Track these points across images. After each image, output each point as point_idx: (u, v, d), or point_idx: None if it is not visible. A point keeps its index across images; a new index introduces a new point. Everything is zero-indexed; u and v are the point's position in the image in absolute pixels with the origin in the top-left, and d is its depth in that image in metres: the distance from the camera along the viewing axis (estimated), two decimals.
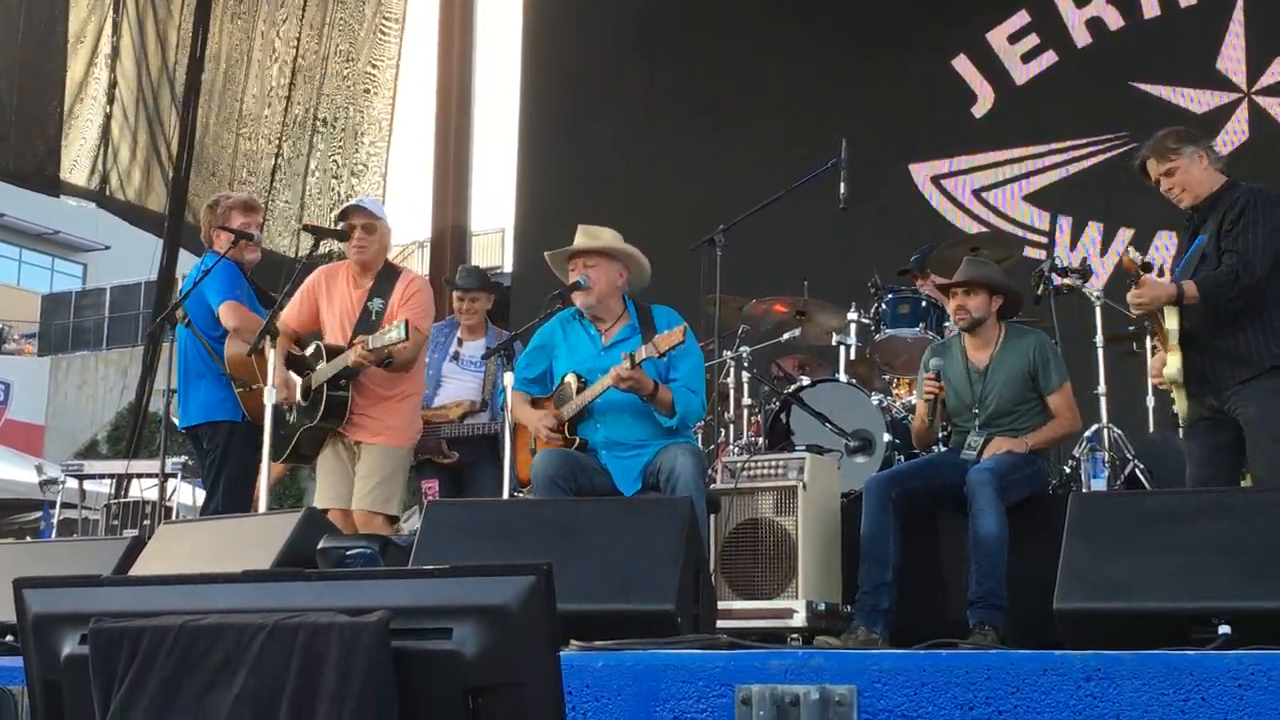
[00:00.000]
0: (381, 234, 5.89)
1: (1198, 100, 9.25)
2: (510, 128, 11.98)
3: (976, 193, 9.91)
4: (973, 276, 5.36)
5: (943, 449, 5.51)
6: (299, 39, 11.02)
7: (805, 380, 6.59)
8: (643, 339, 5.16)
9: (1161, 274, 5.52)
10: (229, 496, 6.10)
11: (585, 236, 5.45)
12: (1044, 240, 9.51)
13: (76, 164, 10.06)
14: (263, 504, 5.76)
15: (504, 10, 12.57)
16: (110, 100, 10.10)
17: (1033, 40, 9.95)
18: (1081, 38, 9.78)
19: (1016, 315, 5.57)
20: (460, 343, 6.80)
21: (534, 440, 5.32)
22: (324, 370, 5.66)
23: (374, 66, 11.46)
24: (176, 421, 6.54)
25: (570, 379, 5.29)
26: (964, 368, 5.36)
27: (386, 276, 5.85)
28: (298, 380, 5.76)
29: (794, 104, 10.28)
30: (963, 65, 10.10)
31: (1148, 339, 6.87)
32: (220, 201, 6.45)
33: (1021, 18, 9.96)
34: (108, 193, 10.22)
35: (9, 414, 24.94)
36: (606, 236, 5.46)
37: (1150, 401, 6.75)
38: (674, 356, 5.14)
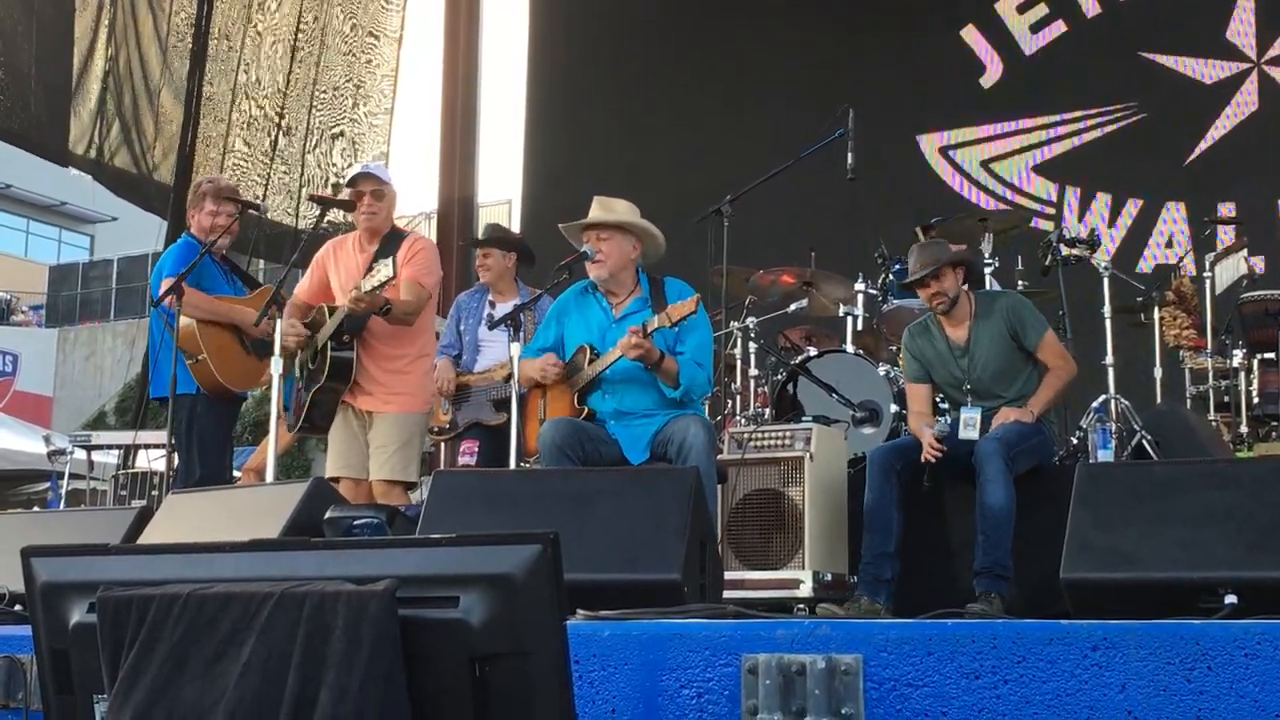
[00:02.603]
0: (389, 199, 5.91)
1: (1207, 70, 9.21)
2: (517, 98, 11.96)
3: (984, 164, 9.87)
4: (934, 262, 5.31)
5: (945, 422, 5.51)
6: (300, 8, 10.94)
7: (812, 351, 6.58)
8: (654, 312, 5.12)
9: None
10: (208, 469, 6.04)
11: (600, 208, 5.35)
12: (1052, 211, 9.49)
13: (79, 135, 10.03)
14: (270, 474, 5.77)
15: None
16: (107, 72, 10.06)
17: (1041, 10, 9.89)
18: (1091, 7, 9.72)
19: (978, 278, 5.50)
20: (493, 305, 6.51)
21: (544, 409, 5.31)
22: (327, 327, 5.67)
23: (376, 37, 11.38)
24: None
25: (583, 350, 5.28)
26: (946, 347, 5.35)
27: (392, 239, 5.87)
28: (305, 332, 5.75)
29: (801, 74, 10.24)
30: (971, 35, 10.04)
31: (1155, 310, 6.86)
32: (201, 185, 6.50)
33: None
34: (102, 164, 10.19)
35: (17, 385, 25.02)
36: (621, 209, 5.35)
37: (1158, 373, 6.73)
38: (683, 331, 5.11)
